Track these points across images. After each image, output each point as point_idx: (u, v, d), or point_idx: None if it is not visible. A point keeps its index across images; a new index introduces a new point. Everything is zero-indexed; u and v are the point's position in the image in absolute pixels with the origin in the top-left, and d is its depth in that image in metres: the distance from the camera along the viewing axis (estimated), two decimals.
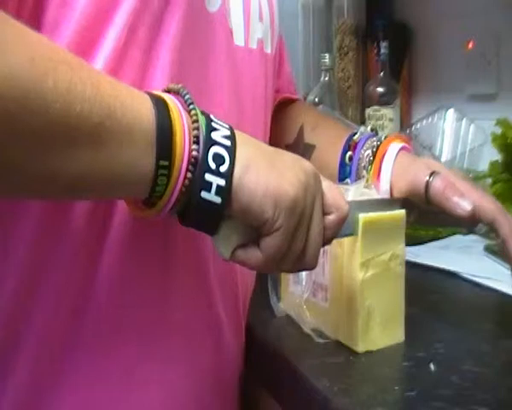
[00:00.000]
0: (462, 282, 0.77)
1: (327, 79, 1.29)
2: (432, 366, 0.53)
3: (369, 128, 0.91)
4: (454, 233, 1.05)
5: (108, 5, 0.44)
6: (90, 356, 0.48)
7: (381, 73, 1.23)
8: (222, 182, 0.41)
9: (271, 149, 0.47)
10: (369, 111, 1.25)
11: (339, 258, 0.57)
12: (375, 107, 1.23)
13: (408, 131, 1.21)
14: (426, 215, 0.63)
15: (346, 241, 0.56)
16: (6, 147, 0.35)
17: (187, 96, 0.43)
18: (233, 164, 0.42)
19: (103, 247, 0.47)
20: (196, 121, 0.42)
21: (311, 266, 0.47)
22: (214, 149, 0.41)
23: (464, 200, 0.55)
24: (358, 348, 0.56)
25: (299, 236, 0.45)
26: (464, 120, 1.13)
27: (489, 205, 0.56)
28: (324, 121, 0.76)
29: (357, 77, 1.36)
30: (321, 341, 0.58)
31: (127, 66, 0.46)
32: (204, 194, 0.41)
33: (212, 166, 0.41)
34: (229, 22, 0.56)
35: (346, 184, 0.63)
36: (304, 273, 0.62)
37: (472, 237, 1.03)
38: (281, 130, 0.74)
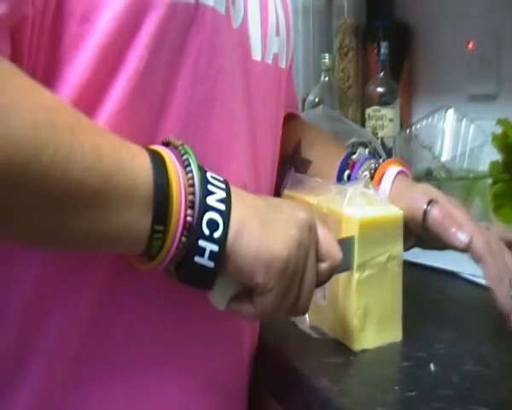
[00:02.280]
0: (462, 282, 0.77)
1: (327, 79, 1.29)
2: (432, 366, 0.53)
3: (367, 151, 0.92)
4: None
5: (131, 25, 0.44)
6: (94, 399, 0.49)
7: (381, 73, 1.23)
8: (215, 248, 0.42)
9: (266, 204, 0.48)
10: (369, 111, 1.25)
11: None
12: (375, 107, 1.23)
13: (408, 131, 1.21)
14: (420, 239, 0.64)
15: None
16: (5, 206, 0.36)
17: (185, 157, 0.44)
18: (227, 230, 0.43)
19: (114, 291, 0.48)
20: (192, 186, 0.42)
21: (303, 312, 0.49)
22: (209, 215, 0.42)
23: (462, 232, 0.56)
24: (354, 346, 0.56)
25: (291, 292, 0.46)
26: (464, 121, 1.13)
27: (479, 244, 0.57)
28: (322, 138, 0.77)
29: (357, 77, 1.36)
30: (318, 336, 0.58)
31: (148, 86, 0.46)
32: (197, 259, 0.42)
33: (206, 232, 0.42)
34: (248, 37, 0.56)
35: (345, 184, 0.63)
36: None
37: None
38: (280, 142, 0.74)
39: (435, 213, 0.58)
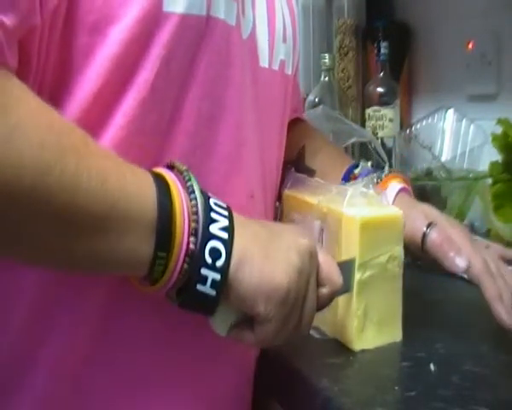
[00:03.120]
0: (462, 282, 0.77)
1: (327, 79, 1.29)
2: (432, 366, 0.53)
3: (369, 164, 0.92)
4: None
5: (142, 36, 0.44)
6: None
7: (381, 74, 1.23)
8: (217, 277, 0.42)
9: (267, 231, 0.48)
10: (369, 111, 1.25)
11: (336, 257, 0.57)
12: (375, 107, 1.23)
13: (408, 132, 1.21)
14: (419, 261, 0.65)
15: (344, 241, 0.56)
16: (11, 226, 0.37)
17: (189, 183, 0.44)
18: (229, 259, 0.43)
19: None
20: (196, 213, 0.42)
21: (304, 334, 0.49)
22: (211, 244, 0.42)
23: (460, 256, 0.56)
24: (354, 346, 0.56)
25: (291, 320, 0.46)
26: (464, 121, 1.13)
27: (477, 265, 0.57)
28: (326, 147, 0.77)
29: (357, 77, 1.36)
30: (318, 336, 0.58)
31: (158, 98, 0.46)
32: (199, 286, 0.42)
33: (209, 260, 0.42)
34: (257, 46, 0.56)
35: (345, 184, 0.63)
36: None
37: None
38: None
39: (434, 236, 0.58)
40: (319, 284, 0.49)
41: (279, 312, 0.45)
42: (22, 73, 0.40)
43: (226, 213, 0.45)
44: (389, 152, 1.18)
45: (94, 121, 0.43)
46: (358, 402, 0.49)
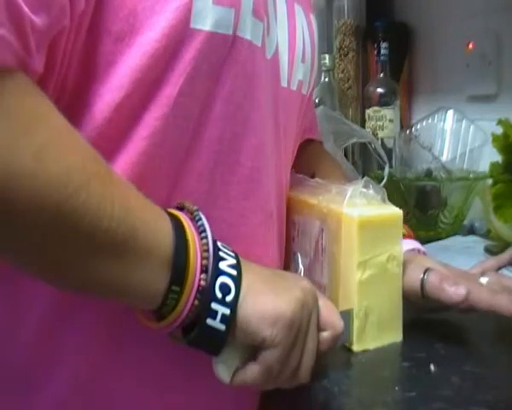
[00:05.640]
0: None
1: (327, 79, 1.29)
2: (432, 367, 0.53)
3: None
4: (454, 234, 1.05)
5: (167, 51, 0.43)
6: None
7: (381, 74, 1.23)
8: (227, 311, 0.43)
9: (271, 272, 0.50)
10: (369, 112, 1.25)
11: (336, 257, 0.57)
12: (375, 108, 1.23)
13: (408, 132, 1.21)
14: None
15: (343, 240, 0.56)
16: (35, 243, 0.37)
17: (200, 222, 0.45)
18: (238, 294, 0.44)
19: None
20: (207, 250, 0.43)
21: (305, 380, 0.49)
22: (221, 279, 0.44)
23: (459, 287, 0.56)
24: (354, 346, 0.56)
25: (295, 351, 0.47)
26: (464, 121, 1.13)
27: (484, 294, 0.56)
28: (336, 174, 0.77)
29: (357, 78, 1.36)
30: None
31: (181, 115, 0.46)
32: (209, 321, 0.43)
33: (219, 295, 0.43)
34: (279, 66, 0.56)
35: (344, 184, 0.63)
36: (302, 272, 0.62)
37: (472, 237, 1.04)
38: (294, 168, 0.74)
39: (432, 278, 0.58)
40: (320, 329, 0.49)
41: (285, 338, 0.45)
42: (44, 79, 0.39)
43: (233, 253, 0.46)
44: (389, 152, 1.19)
45: (114, 134, 0.43)
46: (358, 402, 0.49)
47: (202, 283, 0.43)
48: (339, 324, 0.50)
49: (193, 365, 0.50)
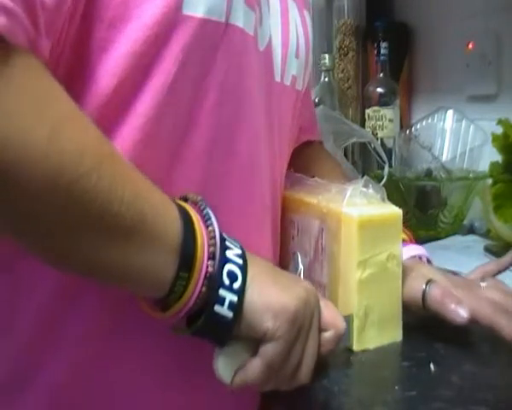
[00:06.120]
0: None
1: (327, 79, 1.29)
2: (432, 366, 0.53)
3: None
4: (454, 233, 1.05)
5: (159, 37, 0.44)
6: None
7: (381, 74, 1.23)
8: (234, 298, 0.43)
9: (274, 268, 0.50)
10: (368, 111, 1.25)
11: (336, 257, 0.57)
12: (375, 107, 1.23)
13: (408, 132, 1.21)
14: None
15: (343, 240, 0.56)
16: (45, 220, 0.36)
17: (205, 211, 0.45)
18: (245, 282, 0.44)
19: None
20: (213, 237, 0.44)
21: (305, 381, 0.49)
22: (228, 267, 0.44)
23: (461, 307, 0.55)
24: (354, 346, 0.56)
25: (296, 348, 0.46)
26: (464, 121, 1.13)
27: (486, 310, 0.56)
28: (337, 177, 0.75)
29: (357, 77, 1.36)
30: None
31: (174, 102, 0.46)
32: (217, 308, 0.43)
33: (226, 282, 0.43)
34: (272, 59, 0.56)
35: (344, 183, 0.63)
36: (302, 271, 0.62)
37: (472, 237, 1.04)
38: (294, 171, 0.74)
39: (434, 292, 0.57)
40: (321, 330, 0.49)
41: (287, 331, 0.45)
42: None
43: (238, 244, 0.46)
44: (389, 152, 1.19)
45: (105, 123, 0.43)
46: (358, 402, 0.49)
47: (210, 269, 0.43)
48: (341, 324, 0.50)
49: (194, 361, 0.50)
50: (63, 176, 0.35)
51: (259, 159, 0.54)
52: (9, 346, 0.47)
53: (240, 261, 0.45)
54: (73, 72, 0.42)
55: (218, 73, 0.48)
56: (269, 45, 0.55)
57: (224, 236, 0.45)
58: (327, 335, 0.49)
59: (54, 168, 0.35)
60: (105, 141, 0.39)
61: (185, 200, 0.46)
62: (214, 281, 0.43)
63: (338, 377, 0.52)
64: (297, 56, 0.61)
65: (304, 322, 0.46)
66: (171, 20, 0.44)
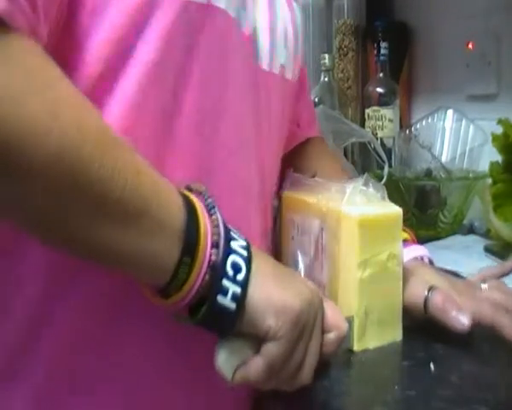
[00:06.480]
0: None
1: (326, 79, 1.29)
2: (432, 366, 0.53)
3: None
4: (454, 233, 1.05)
5: (141, 19, 0.44)
6: None
7: (381, 74, 1.23)
8: (238, 290, 0.43)
9: (279, 265, 0.50)
10: (368, 111, 1.25)
11: (337, 256, 0.57)
12: (375, 107, 1.23)
13: (407, 132, 1.21)
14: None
15: (343, 239, 0.56)
16: (41, 205, 0.36)
17: (209, 200, 0.44)
18: (249, 274, 0.44)
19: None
20: (217, 226, 0.43)
21: (307, 381, 0.48)
22: (232, 258, 0.43)
23: (463, 315, 0.55)
24: (354, 346, 0.56)
25: (298, 348, 0.46)
26: (464, 121, 1.13)
27: (487, 310, 0.56)
28: (336, 175, 0.75)
29: (356, 77, 1.36)
30: None
31: (158, 84, 0.46)
32: (220, 298, 0.43)
33: (230, 273, 0.43)
34: (257, 46, 0.56)
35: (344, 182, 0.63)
36: (303, 271, 0.62)
37: (472, 236, 1.04)
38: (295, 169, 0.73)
39: (435, 299, 0.57)
40: (324, 331, 0.49)
41: (289, 331, 0.45)
42: None
43: (243, 236, 0.46)
44: (389, 152, 1.18)
45: (95, 103, 0.42)
46: (358, 402, 0.49)
47: (213, 257, 0.42)
48: (343, 325, 0.50)
49: (196, 353, 0.50)
50: (64, 159, 0.35)
51: (247, 144, 0.54)
52: (4, 332, 0.46)
53: (244, 253, 0.44)
54: (60, 57, 0.42)
55: (200, 55, 0.48)
56: (254, 34, 0.55)
57: (229, 227, 0.45)
58: (329, 336, 0.49)
59: (56, 145, 0.35)
60: (107, 129, 0.39)
61: (189, 190, 0.46)
62: (217, 270, 0.42)
63: (338, 377, 0.52)
64: (285, 46, 0.61)
65: (307, 323, 0.46)
66: (153, 4, 0.44)
